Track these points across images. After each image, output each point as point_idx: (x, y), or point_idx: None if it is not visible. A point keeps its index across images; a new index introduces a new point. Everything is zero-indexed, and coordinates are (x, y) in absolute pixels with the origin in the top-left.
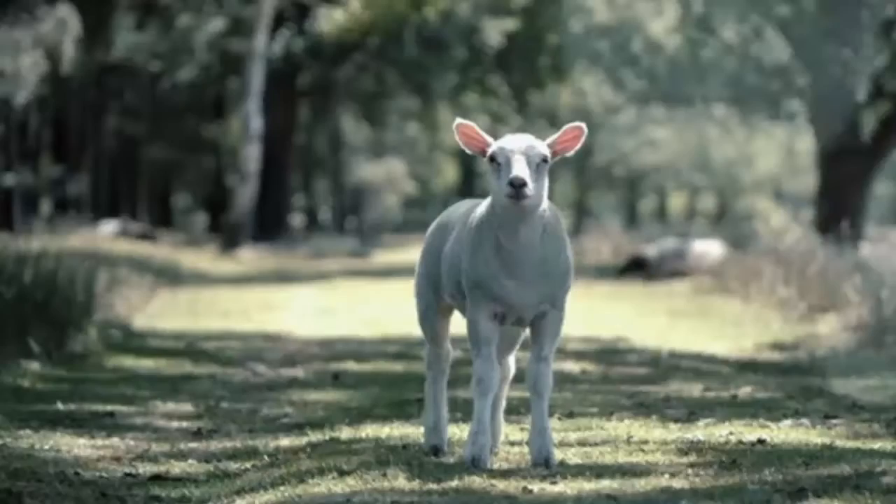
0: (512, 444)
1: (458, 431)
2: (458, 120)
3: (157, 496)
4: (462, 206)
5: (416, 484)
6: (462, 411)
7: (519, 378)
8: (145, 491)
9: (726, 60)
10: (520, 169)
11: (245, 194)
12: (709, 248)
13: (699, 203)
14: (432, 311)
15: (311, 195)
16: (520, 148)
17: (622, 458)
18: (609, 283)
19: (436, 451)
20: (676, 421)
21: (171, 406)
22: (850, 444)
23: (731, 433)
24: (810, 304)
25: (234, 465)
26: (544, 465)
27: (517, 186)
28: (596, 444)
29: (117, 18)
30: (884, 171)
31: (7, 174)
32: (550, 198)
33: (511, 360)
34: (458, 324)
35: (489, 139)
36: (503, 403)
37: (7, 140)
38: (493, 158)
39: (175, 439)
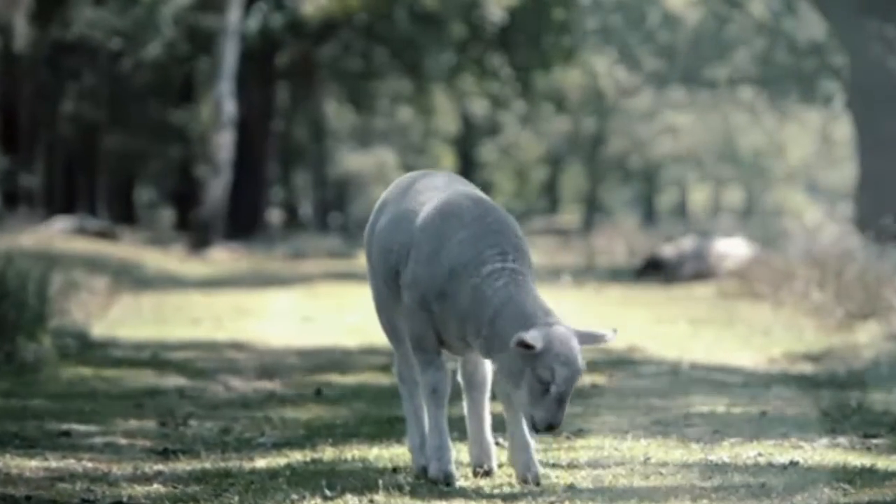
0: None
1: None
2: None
3: None
4: (411, 181)
5: None
6: (457, 429)
7: None
8: None
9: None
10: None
11: (216, 187)
12: (735, 248)
13: (724, 197)
14: (383, 298)
15: (291, 188)
16: (576, 380)
17: (638, 481)
18: (623, 287)
19: (427, 472)
20: (699, 440)
21: (133, 424)
22: (893, 465)
23: (759, 454)
24: (848, 311)
25: (203, 490)
26: (534, 483)
27: (553, 429)
28: (609, 467)
29: None
30: None
31: None
32: (556, 194)
33: (484, 364)
34: None
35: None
36: (488, 417)
37: None
38: (542, 375)
39: (138, 460)
